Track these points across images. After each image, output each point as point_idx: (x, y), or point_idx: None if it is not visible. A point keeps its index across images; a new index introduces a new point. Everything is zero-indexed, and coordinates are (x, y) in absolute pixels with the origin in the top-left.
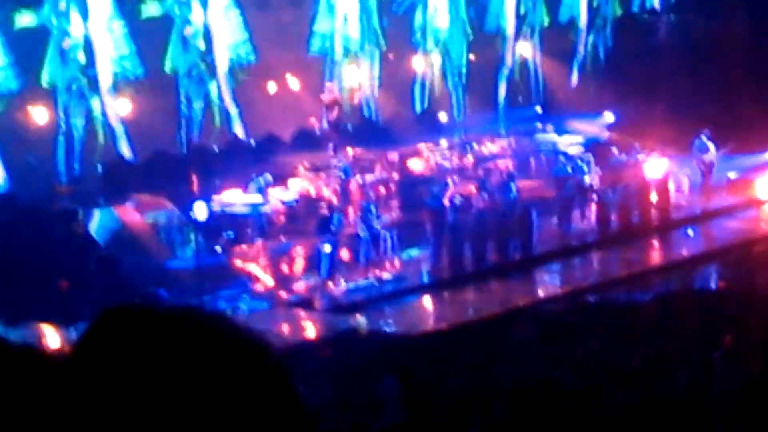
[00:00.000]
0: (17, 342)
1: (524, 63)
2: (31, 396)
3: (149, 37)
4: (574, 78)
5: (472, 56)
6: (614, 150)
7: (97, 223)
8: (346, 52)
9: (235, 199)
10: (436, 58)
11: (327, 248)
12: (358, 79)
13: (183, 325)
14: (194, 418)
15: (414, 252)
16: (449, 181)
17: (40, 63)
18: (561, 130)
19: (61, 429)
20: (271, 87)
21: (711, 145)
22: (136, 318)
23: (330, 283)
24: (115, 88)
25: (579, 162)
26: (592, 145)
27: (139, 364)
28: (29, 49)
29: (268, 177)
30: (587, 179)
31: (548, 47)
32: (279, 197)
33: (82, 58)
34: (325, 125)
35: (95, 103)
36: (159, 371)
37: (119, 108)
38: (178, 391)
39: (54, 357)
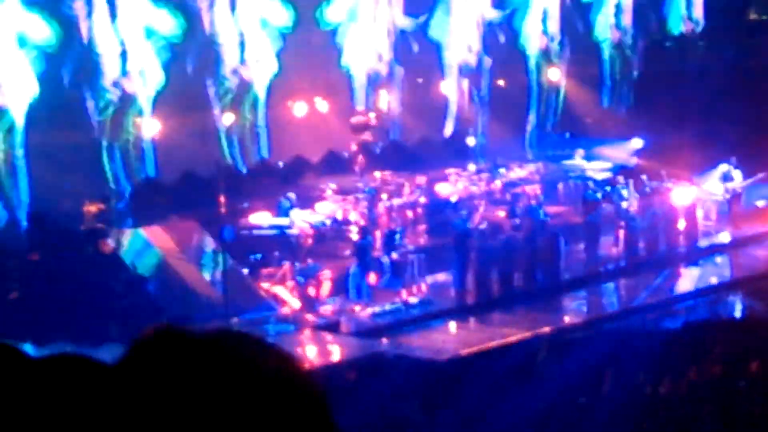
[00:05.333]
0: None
1: (553, 88)
2: (66, 411)
3: (180, 55)
4: (604, 104)
5: (501, 81)
6: (642, 177)
7: (125, 244)
8: (375, 75)
9: (262, 221)
10: (465, 83)
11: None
12: (387, 102)
13: (225, 350)
14: None
15: (441, 276)
16: (478, 205)
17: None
18: (589, 156)
19: None
20: (300, 109)
21: (738, 173)
22: (178, 341)
23: (356, 307)
24: (147, 107)
25: (610, 188)
26: (620, 171)
27: (181, 388)
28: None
29: (292, 197)
30: (624, 205)
31: (578, 72)
32: (306, 220)
33: (115, 76)
34: (354, 148)
35: (127, 123)
36: (200, 396)
37: (150, 128)
38: (220, 416)
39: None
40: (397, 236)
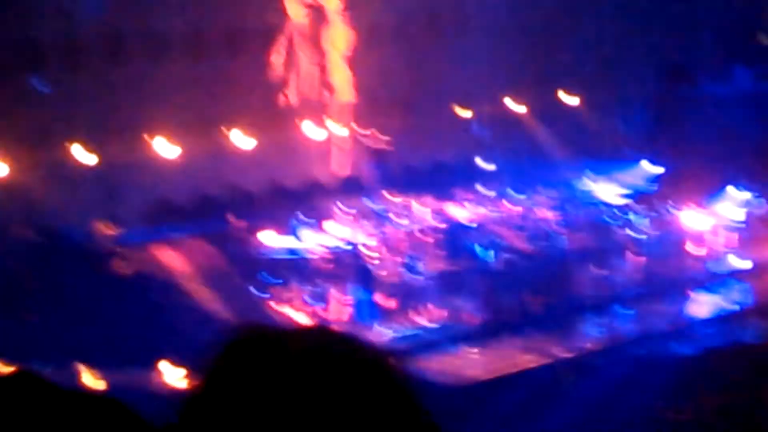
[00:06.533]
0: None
1: (568, 110)
2: None
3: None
4: (619, 128)
5: (515, 103)
6: (657, 201)
7: (143, 264)
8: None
9: (273, 242)
10: (479, 105)
11: (360, 295)
12: (399, 125)
13: (322, 347)
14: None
15: (457, 301)
16: (495, 231)
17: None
18: (604, 180)
19: None
20: (312, 130)
21: (753, 197)
22: (268, 341)
23: (372, 330)
24: (162, 128)
25: (625, 213)
26: (635, 196)
27: (276, 389)
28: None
29: (302, 217)
30: (638, 230)
31: (593, 95)
32: (316, 240)
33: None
34: (365, 169)
35: (142, 143)
36: (296, 395)
37: (165, 149)
38: (321, 410)
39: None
40: (417, 262)
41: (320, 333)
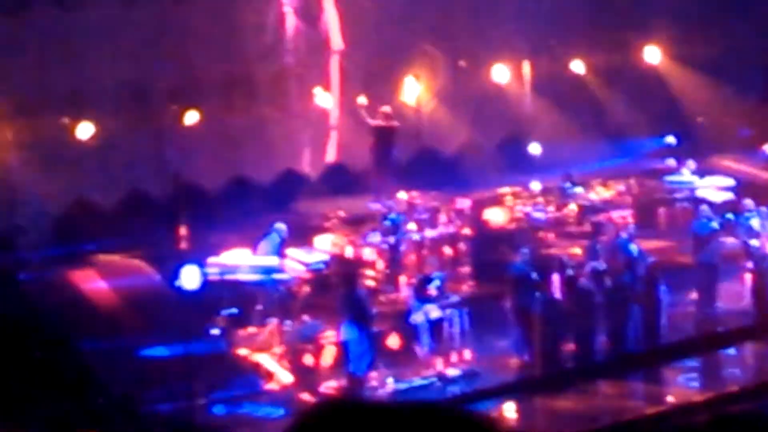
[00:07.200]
0: None
1: (652, 74)
2: None
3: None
4: (724, 96)
5: (579, 64)
6: None
7: (45, 291)
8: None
9: (240, 261)
10: (526, 67)
11: (350, 333)
12: (417, 95)
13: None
14: None
15: (491, 339)
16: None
17: None
18: (703, 170)
19: None
20: (293, 103)
21: None
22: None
23: (373, 381)
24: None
25: (733, 215)
26: (748, 191)
27: None
28: None
29: (282, 228)
30: (754, 239)
31: (686, 53)
32: (302, 259)
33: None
34: (371, 159)
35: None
36: None
37: (81, 131)
38: None
39: None
40: (435, 283)
41: (406, 407)
